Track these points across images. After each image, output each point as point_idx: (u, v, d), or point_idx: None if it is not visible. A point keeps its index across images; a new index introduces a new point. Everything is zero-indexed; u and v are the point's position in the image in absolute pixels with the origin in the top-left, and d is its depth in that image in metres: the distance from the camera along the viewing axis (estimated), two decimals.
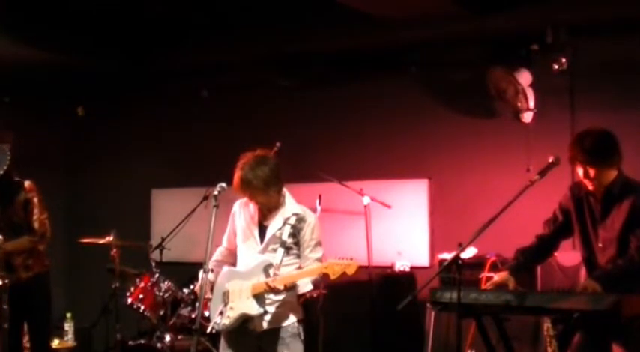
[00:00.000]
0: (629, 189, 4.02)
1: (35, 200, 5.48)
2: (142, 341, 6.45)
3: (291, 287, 4.41)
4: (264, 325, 4.45)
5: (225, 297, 4.51)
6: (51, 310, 5.72)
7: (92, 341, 7.66)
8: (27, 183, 5.51)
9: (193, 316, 6.23)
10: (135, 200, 8.36)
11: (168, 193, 8.24)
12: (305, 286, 4.47)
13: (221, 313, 4.51)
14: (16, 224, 5.45)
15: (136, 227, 8.01)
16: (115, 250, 6.43)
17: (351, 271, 4.29)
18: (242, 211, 4.66)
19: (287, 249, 4.47)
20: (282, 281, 4.34)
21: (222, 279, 4.58)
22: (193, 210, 6.54)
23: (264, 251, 4.51)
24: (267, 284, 4.35)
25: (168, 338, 6.25)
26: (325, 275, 4.36)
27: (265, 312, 4.41)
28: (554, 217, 4.28)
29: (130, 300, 6.38)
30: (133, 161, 8.47)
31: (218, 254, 4.76)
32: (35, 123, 8.02)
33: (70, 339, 7.22)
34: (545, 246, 4.33)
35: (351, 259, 4.30)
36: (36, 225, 5.46)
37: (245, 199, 4.64)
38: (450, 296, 3.92)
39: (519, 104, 6.33)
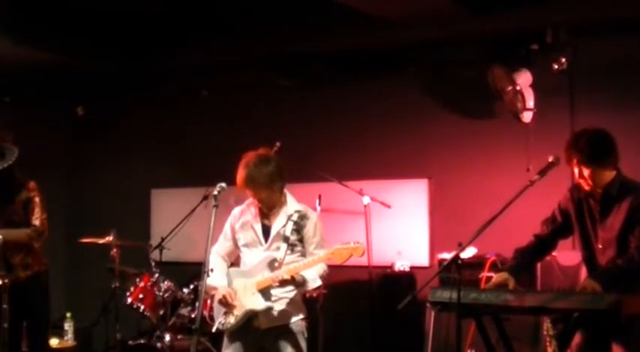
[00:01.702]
0: (627, 190, 4.02)
1: (37, 199, 5.48)
2: (142, 341, 6.46)
3: (301, 283, 4.42)
4: (269, 323, 4.46)
5: None
6: (50, 309, 5.71)
7: (92, 340, 7.66)
8: (30, 183, 5.51)
9: (193, 316, 6.23)
10: (135, 200, 8.36)
11: (168, 193, 8.24)
12: (314, 282, 4.50)
13: (225, 313, 4.52)
14: (16, 223, 5.43)
15: (136, 227, 8.01)
16: (114, 250, 6.44)
17: (358, 254, 4.36)
18: (242, 216, 4.68)
19: (291, 246, 4.49)
20: (289, 272, 4.37)
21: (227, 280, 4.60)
22: (193, 210, 6.53)
23: (269, 249, 4.55)
24: (272, 279, 4.37)
25: (168, 337, 6.25)
26: (333, 261, 4.39)
27: (271, 308, 4.42)
28: (553, 217, 4.28)
29: (129, 300, 6.38)
30: (133, 161, 8.47)
31: (219, 259, 4.76)
32: (35, 123, 8.01)
33: (69, 339, 7.22)
34: (543, 246, 4.33)
35: (358, 243, 4.35)
36: (37, 222, 5.45)
37: (243, 206, 4.70)
38: (449, 295, 3.91)
39: (519, 104, 6.33)
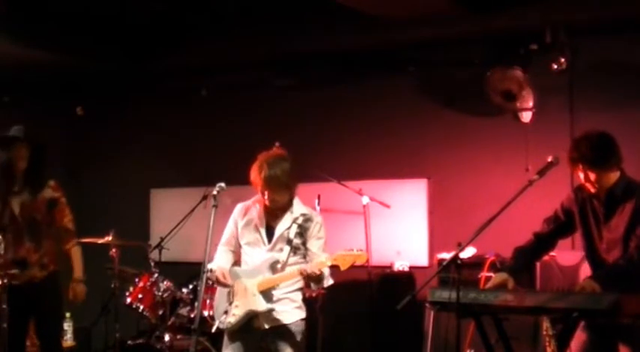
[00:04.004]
0: (631, 190, 4.01)
1: (63, 200, 5.47)
2: (141, 341, 6.45)
3: (321, 279, 4.41)
4: (269, 323, 4.47)
5: (230, 296, 4.53)
6: (63, 309, 5.70)
7: (91, 340, 7.65)
8: (52, 182, 5.47)
9: (192, 316, 6.23)
10: (134, 200, 8.36)
11: (167, 193, 8.24)
12: (328, 280, 4.51)
13: (226, 312, 4.52)
14: (37, 221, 5.36)
15: (135, 227, 8.00)
16: (114, 250, 6.42)
17: (360, 261, 4.39)
18: (245, 215, 4.66)
19: (294, 249, 4.50)
20: (290, 276, 4.40)
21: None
22: (192, 210, 6.51)
23: (271, 250, 4.55)
24: (295, 272, 4.40)
25: (167, 337, 6.24)
26: (335, 267, 4.40)
27: (272, 309, 4.43)
28: (556, 216, 4.26)
29: (129, 300, 6.38)
30: (132, 161, 8.47)
31: (223, 254, 4.75)
32: (35, 123, 7.99)
33: (69, 339, 7.22)
34: (542, 245, 4.31)
35: (360, 250, 4.38)
36: (70, 225, 5.46)
37: (248, 202, 4.67)
38: (449, 295, 3.90)
39: (519, 104, 6.34)
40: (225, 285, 4.52)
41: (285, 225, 4.54)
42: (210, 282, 4.82)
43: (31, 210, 5.37)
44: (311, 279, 4.40)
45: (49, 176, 5.53)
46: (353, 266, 4.41)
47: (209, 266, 4.51)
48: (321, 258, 4.41)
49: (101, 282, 6.93)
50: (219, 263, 4.61)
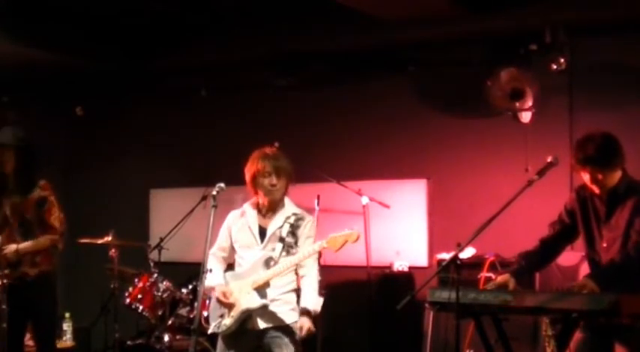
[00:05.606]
0: (633, 189, 4.02)
1: (52, 198, 5.48)
2: (141, 341, 6.45)
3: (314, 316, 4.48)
4: (264, 323, 4.47)
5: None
6: (57, 310, 5.70)
7: (91, 341, 7.64)
8: (42, 182, 5.50)
9: (192, 316, 6.23)
10: (133, 200, 8.36)
11: (166, 193, 8.24)
12: (318, 305, 4.58)
13: (222, 316, 4.52)
14: (28, 220, 5.40)
15: (135, 227, 8.00)
16: (113, 250, 6.43)
17: (352, 239, 4.39)
18: (239, 220, 4.68)
19: (287, 247, 4.51)
20: (283, 269, 4.41)
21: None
22: (192, 210, 6.53)
23: (264, 249, 4.56)
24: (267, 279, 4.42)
25: (166, 338, 6.25)
26: (328, 249, 4.44)
27: (266, 305, 4.43)
28: (560, 219, 4.26)
29: (128, 300, 6.38)
30: (131, 161, 8.46)
31: (216, 260, 4.75)
32: (34, 123, 8.01)
33: (68, 339, 7.22)
34: (548, 250, 4.30)
35: (352, 229, 4.40)
36: (56, 223, 5.45)
37: (240, 209, 4.69)
38: (448, 296, 3.90)
39: (519, 104, 6.34)
40: (225, 305, 4.50)
41: (277, 224, 4.57)
42: (208, 301, 4.83)
43: (21, 210, 5.42)
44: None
45: (42, 176, 5.54)
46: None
47: (208, 283, 4.50)
48: (312, 246, 4.45)
49: (101, 282, 6.96)
50: (218, 280, 4.58)
